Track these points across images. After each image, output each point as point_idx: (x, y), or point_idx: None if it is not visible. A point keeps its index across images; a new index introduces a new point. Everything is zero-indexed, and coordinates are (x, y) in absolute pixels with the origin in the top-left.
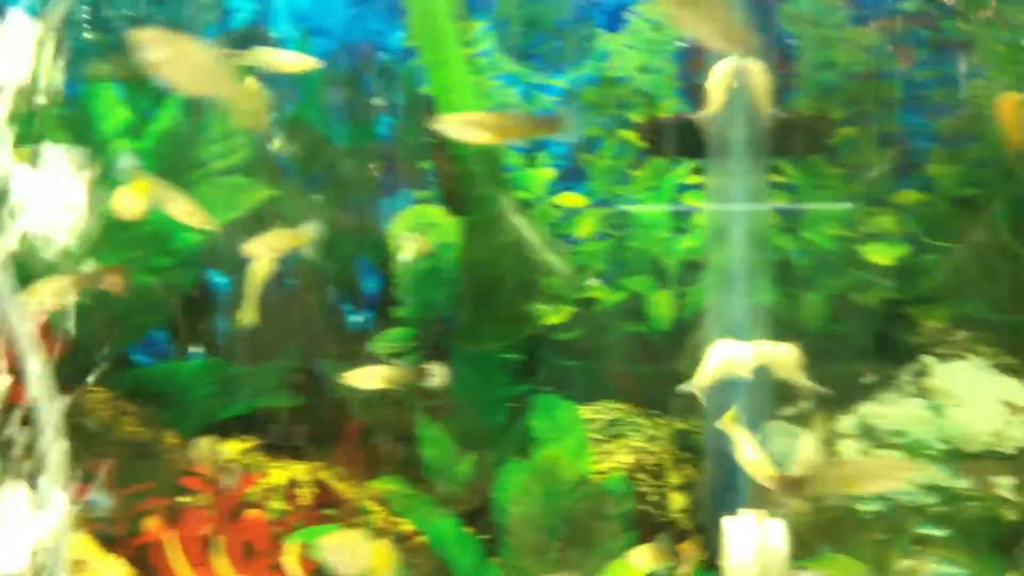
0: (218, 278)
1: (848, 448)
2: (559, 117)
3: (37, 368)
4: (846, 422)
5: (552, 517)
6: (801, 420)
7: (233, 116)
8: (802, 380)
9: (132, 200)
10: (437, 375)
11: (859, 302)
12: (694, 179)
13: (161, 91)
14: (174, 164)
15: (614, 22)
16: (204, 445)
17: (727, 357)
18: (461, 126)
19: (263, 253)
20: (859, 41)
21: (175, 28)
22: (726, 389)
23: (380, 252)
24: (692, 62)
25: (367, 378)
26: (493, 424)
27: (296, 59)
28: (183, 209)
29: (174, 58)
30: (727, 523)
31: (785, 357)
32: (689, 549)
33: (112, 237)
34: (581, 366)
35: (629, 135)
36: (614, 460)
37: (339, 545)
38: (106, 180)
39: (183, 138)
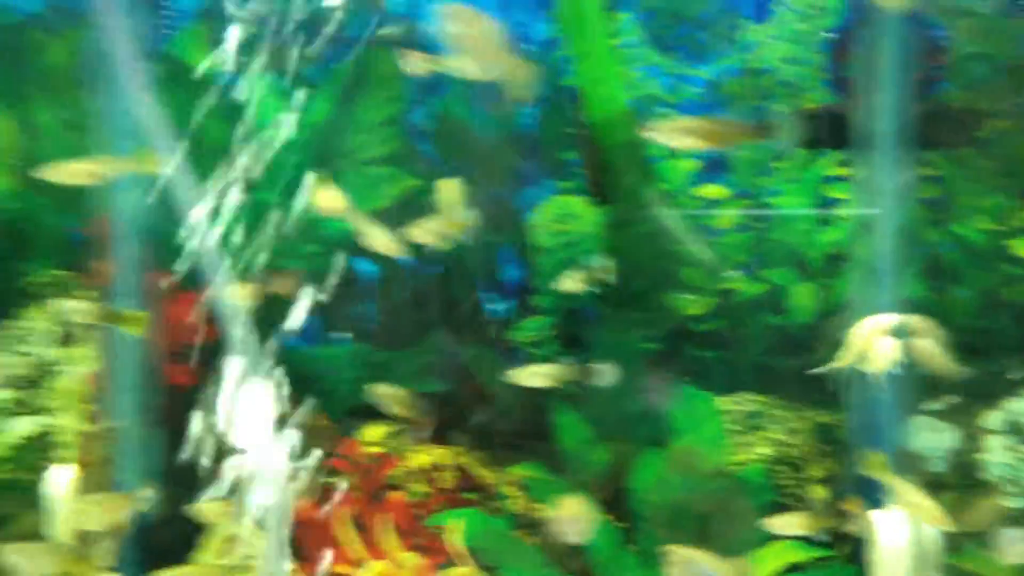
0: (364, 265)
1: (994, 444)
2: (775, 123)
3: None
4: (993, 418)
5: (689, 507)
6: (947, 415)
7: (506, 89)
8: (947, 365)
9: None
10: (605, 374)
11: (1008, 298)
12: (839, 171)
13: (312, 82)
14: (324, 154)
15: (760, 12)
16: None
17: (872, 333)
18: (672, 132)
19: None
20: (1011, 32)
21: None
22: (870, 382)
23: (521, 241)
24: (839, 52)
25: (533, 376)
26: (631, 413)
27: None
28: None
29: (470, 33)
30: (876, 516)
31: (930, 342)
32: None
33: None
34: (720, 357)
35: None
36: (753, 452)
37: (570, 513)
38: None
39: (333, 129)
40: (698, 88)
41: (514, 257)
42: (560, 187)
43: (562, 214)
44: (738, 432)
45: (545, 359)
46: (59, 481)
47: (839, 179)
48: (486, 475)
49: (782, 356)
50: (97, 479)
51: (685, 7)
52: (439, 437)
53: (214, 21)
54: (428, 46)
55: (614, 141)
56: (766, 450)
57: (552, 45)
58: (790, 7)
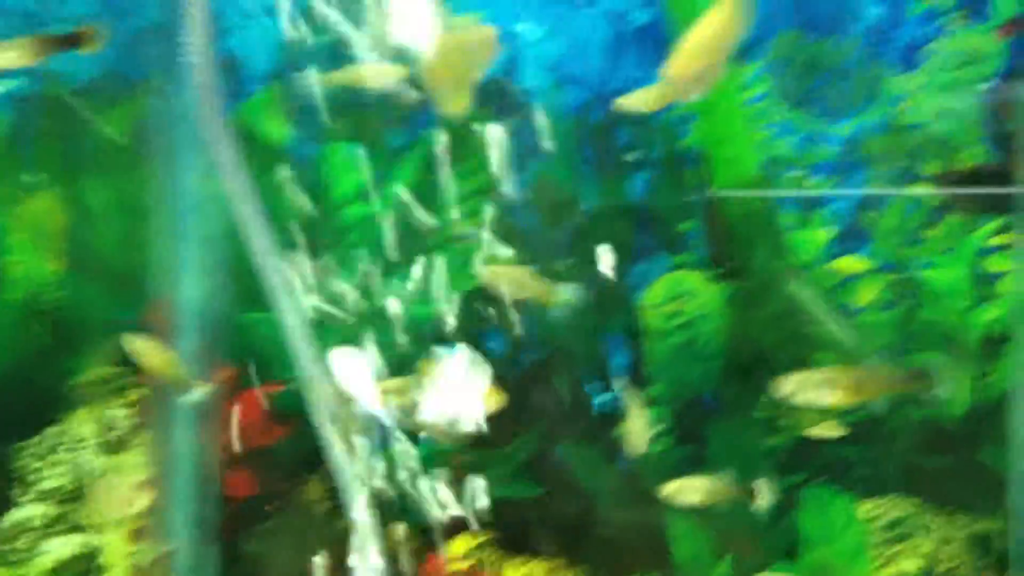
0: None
1: None
2: (929, 371)
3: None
4: None
5: None
6: None
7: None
8: None
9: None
10: (764, 495)
11: None
12: (1000, 239)
13: (395, 151)
14: (410, 228)
15: (908, 61)
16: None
17: None
18: (807, 386)
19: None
20: None
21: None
22: None
23: (631, 324)
24: (1000, 105)
25: (688, 492)
26: (756, 520)
27: (380, 71)
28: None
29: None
30: None
31: None
32: None
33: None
34: (861, 455)
35: (921, 189)
36: (899, 566)
37: None
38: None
39: (419, 201)
40: (835, 147)
41: (623, 341)
42: (675, 261)
43: (678, 292)
44: (882, 542)
45: (657, 457)
46: None
47: (1000, 248)
48: None
49: (933, 454)
50: None
51: (822, 56)
52: (534, 546)
53: (287, 85)
54: (523, 106)
55: (742, 210)
56: (914, 564)
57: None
58: (942, 54)
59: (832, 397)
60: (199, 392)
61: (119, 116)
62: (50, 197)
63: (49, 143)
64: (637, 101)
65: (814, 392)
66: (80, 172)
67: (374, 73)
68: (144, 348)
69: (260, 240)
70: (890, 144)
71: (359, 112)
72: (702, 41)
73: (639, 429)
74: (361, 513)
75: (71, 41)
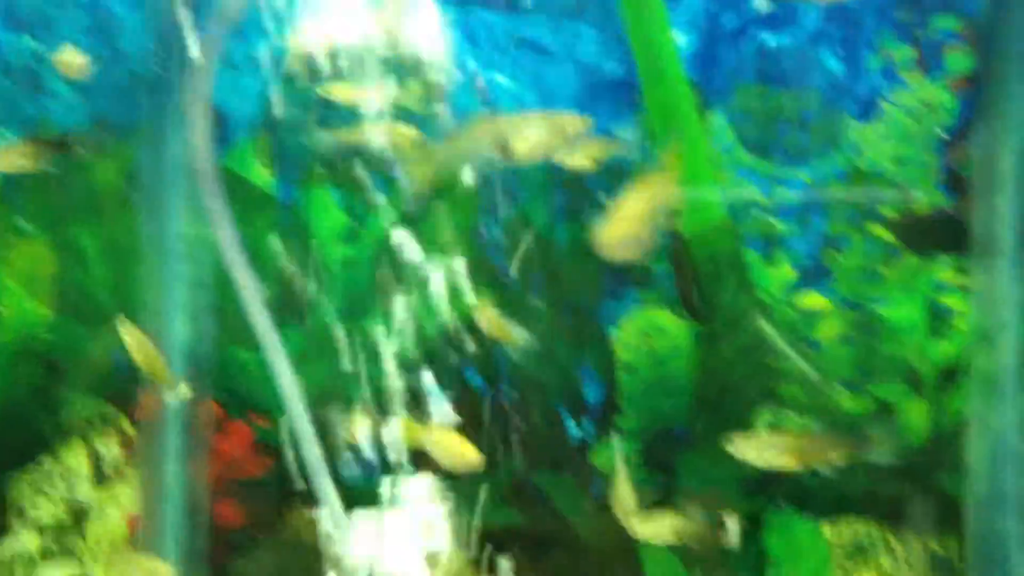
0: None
1: None
2: (870, 435)
3: None
4: None
5: None
6: None
7: None
8: None
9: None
10: (731, 532)
11: None
12: (954, 278)
13: (376, 194)
14: (392, 267)
15: (866, 111)
16: None
17: None
18: (759, 449)
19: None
20: None
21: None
22: (993, 506)
23: (603, 359)
24: (953, 152)
25: (657, 529)
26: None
27: (357, 91)
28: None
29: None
30: None
31: None
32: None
33: (321, 347)
34: (824, 481)
35: (880, 231)
36: None
37: None
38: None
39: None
40: (798, 191)
41: (596, 375)
42: (646, 299)
43: (649, 328)
44: (843, 563)
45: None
46: None
47: (954, 287)
48: None
49: (892, 480)
50: None
51: (782, 107)
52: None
53: (270, 132)
54: None
55: (710, 251)
56: None
57: (639, 148)
58: (899, 105)
59: (781, 461)
60: (183, 392)
61: (110, 163)
62: (41, 243)
63: (40, 190)
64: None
65: (766, 455)
66: (71, 218)
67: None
68: (135, 340)
69: (246, 283)
70: (850, 189)
71: (340, 158)
72: (634, 208)
73: (625, 492)
74: (346, 544)
75: (70, 143)
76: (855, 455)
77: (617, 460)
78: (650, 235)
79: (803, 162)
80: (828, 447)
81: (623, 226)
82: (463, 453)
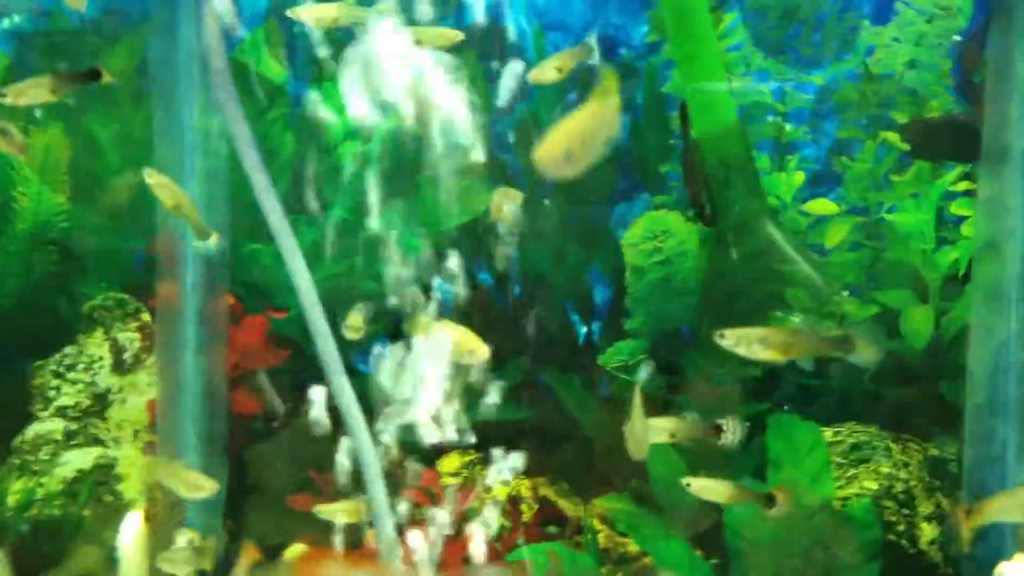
0: (445, 287)
1: None
2: (853, 335)
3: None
4: None
5: (789, 544)
6: None
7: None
8: None
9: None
10: (732, 432)
11: None
12: (963, 186)
13: None
14: (401, 166)
15: (881, 13)
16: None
17: None
18: (745, 341)
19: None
20: None
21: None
22: (993, 413)
23: (612, 261)
24: (967, 57)
25: (656, 432)
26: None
27: (440, 32)
28: None
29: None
30: (1007, 569)
31: None
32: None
33: (332, 244)
34: (826, 385)
35: (891, 137)
36: (859, 486)
37: None
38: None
39: (411, 140)
40: (810, 95)
41: (604, 277)
42: (655, 202)
43: (657, 231)
44: (843, 465)
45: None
46: (128, 530)
47: (963, 195)
48: (569, 508)
49: (893, 384)
50: (165, 524)
51: (797, 7)
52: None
53: (281, 24)
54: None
55: (720, 154)
56: (873, 484)
57: (651, 49)
58: (914, 7)
59: (765, 353)
60: (214, 240)
61: (122, 52)
62: (55, 131)
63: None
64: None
65: (750, 347)
66: (84, 107)
67: (431, 35)
68: (165, 186)
69: (258, 177)
70: (864, 93)
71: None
72: (571, 127)
73: (640, 434)
74: (361, 432)
75: (88, 76)
76: (838, 355)
77: (635, 398)
78: (587, 154)
79: (816, 64)
80: (812, 345)
81: (560, 144)
82: (473, 348)
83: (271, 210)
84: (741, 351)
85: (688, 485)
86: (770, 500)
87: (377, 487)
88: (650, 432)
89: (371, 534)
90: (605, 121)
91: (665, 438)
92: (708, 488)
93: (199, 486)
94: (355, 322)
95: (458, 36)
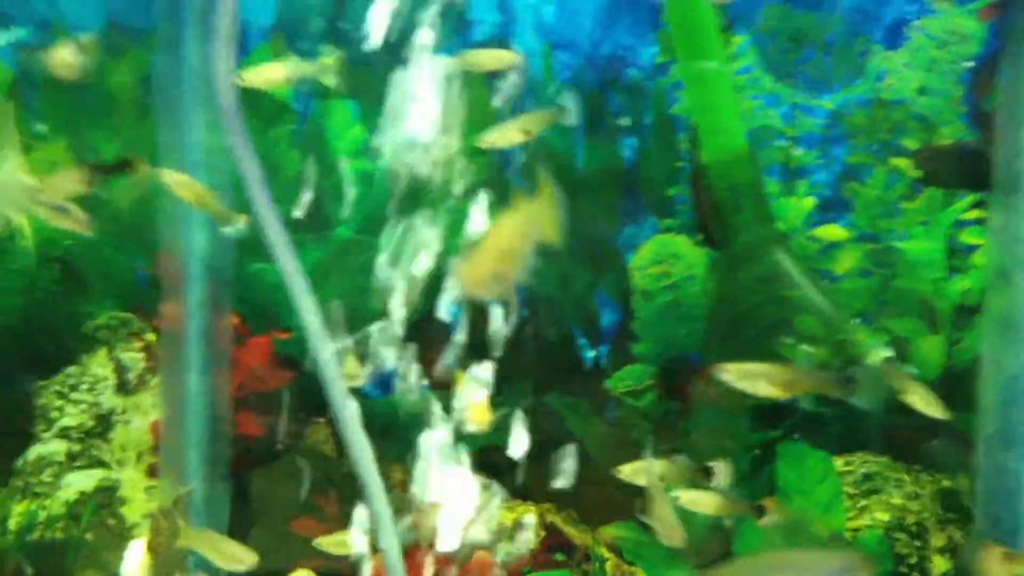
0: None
1: None
2: (853, 377)
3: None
4: None
5: None
6: None
7: None
8: None
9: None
10: (722, 475)
11: None
12: (974, 214)
13: None
14: (409, 185)
15: (892, 38)
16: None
17: None
18: (746, 377)
19: None
20: None
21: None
22: (1006, 445)
23: (620, 284)
24: (979, 84)
25: (637, 473)
26: (735, 471)
27: (499, 56)
28: None
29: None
30: None
31: None
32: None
33: (338, 263)
34: (837, 414)
35: (902, 163)
36: (870, 517)
37: None
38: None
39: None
40: (820, 120)
41: (612, 300)
42: (663, 225)
43: (665, 254)
44: (854, 495)
45: (643, 411)
46: (132, 560)
47: (974, 223)
48: (576, 534)
49: (904, 414)
50: (168, 554)
51: (808, 30)
52: (525, 492)
53: (288, 39)
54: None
55: (730, 179)
56: (884, 515)
57: (660, 70)
58: (927, 33)
59: (765, 390)
60: (240, 224)
61: (126, 67)
62: (59, 147)
63: (56, 93)
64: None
65: (751, 383)
66: (88, 123)
67: (490, 58)
68: (179, 181)
69: (260, 196)
70: (874, 118)
71: (359, 68)
72: (500, 248)
73: (669, 521)
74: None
75: (121, 167)
76: (839, 395)
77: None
78: (516, 269)
79: (826, 89)
80: (814, 383)
81: (484, 264)
82: (476, 420)
83: (273, 233)
84: (743, 387)
85: (677, 498)
86: (760, 511)
87: (386, 523)
88: (638, 474)
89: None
90: (535, 233)
91: (652, 482)
92: (697, 500)
93: (238, 558)
94: (352, 369)
95: (516, 59)
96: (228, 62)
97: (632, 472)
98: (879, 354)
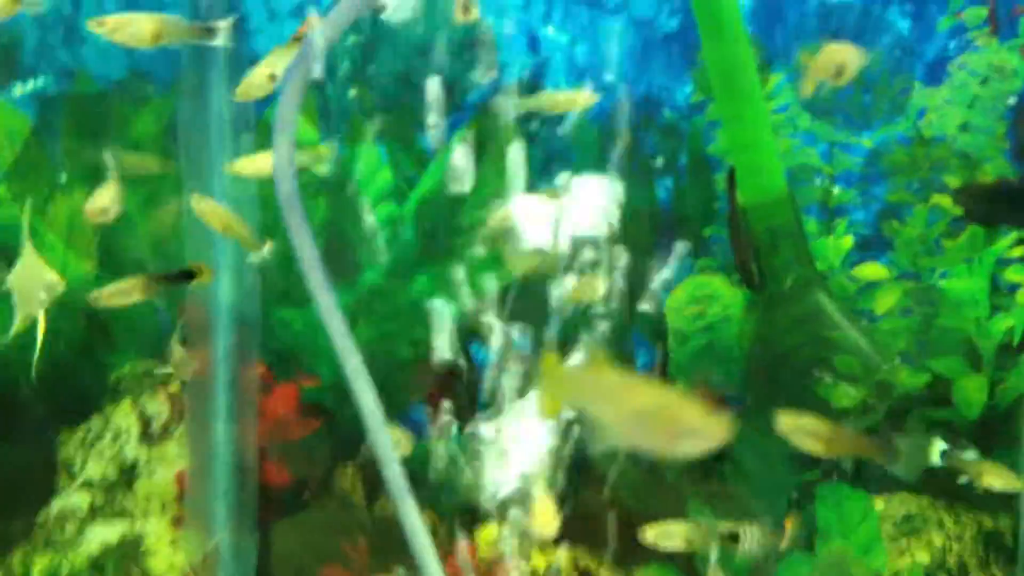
0: (480, 352)
1: None
2: (896, 447)
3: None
4: None
5: None
6: None
7: None
8: None
9: None
10: (750, 539)
11: None
12: (1018, 251)
13: (425, 153)
14: (437, 230)
15: (934, 75)
16: None
17: None
18: (797, 430)
19: None
20: None
21: (443, 83)
22: None
23: (654, 325)
24: (1023, 120)
25: (666, 537)
26: (774, 513)
27: (573, 96)
28: None
29: None
30: None
31: None
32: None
33: (366, 308)
34: None
35: (943, 201)
36: (911, 558)
37: None
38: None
39: (447, 203)
40: (860, 158)
41: (645, 341)
42: (699, 265)
43: (701, 294)
44: (894, 536)
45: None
46: None
47: (1018, 261)
48: None
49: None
50: None
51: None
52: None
53: (315, 86)
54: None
55: (769, 221)
56: (925, 557)
57: (695, 109)
58: (968, 69)
59: (811, 446)
60: (267, 250)
61: (149, 115)
62: (81, 196)
63: (78, 142)
64: None
65: (799, 436)
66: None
67: (565, 99)
68: (208, 209)
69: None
70: (915, 156)
71: (388, 113)
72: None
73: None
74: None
75: (183, 276)
76: (880, 462)
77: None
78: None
79: (865, 126)
80: (856, 446)
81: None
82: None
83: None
84: (791, 439)
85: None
86: (733, 539)
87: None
88: (663, 537)
89: None
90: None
91: (679, 544)
92: (665, 533)
93: None
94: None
95: (593, 98)
96: (289, 149)
97: (657, 536)
98: (937, 448)
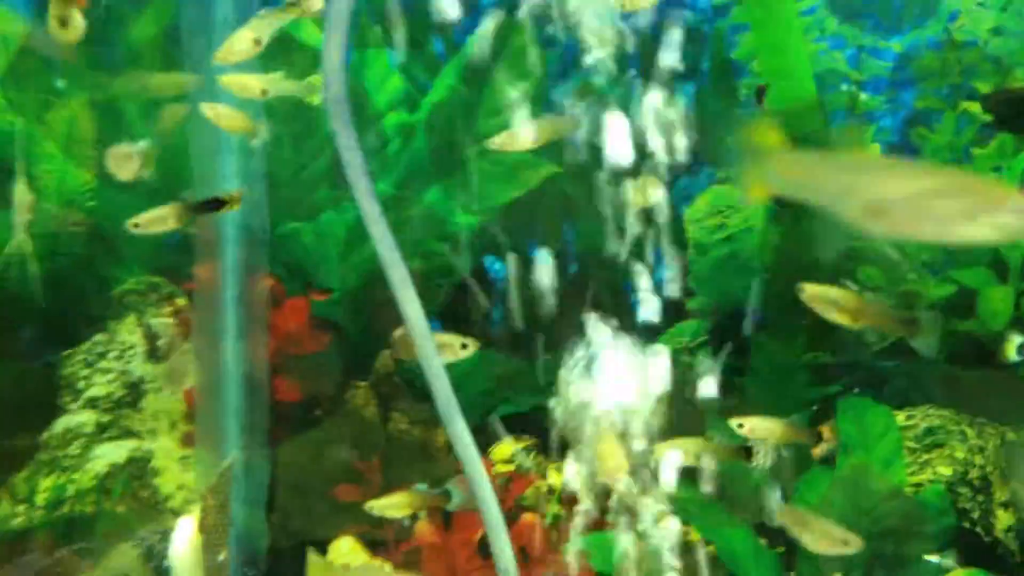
0: (495, 265)
1: None
2: (921, 322)
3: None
4: None
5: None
6: None
7: None
8: None
9: None
10: (763, 455)
11: None
12: None
13: (437, 59)
14: (450, 138)
15: None
16: None
17: None
18: (820, 300)
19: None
20: None
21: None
22: None
23: (674, 237)
24: None
25: (682, 451)
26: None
27: None
28: None
29: None
30: None
31: None
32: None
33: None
34: (899, 367)
35: (973, 107)
36: (932, 471)
37: None
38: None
39: (460, 110)
40: (888, 63)
41: (667, 253)
42: (720, 175)
43: (721, 206)
44: (916, 450)
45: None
46: (181, 538)
47: None
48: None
49: (969, 366)
50: (216, 530)
51: None
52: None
53: None
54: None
55: (797, 129)
56: (947, 470)
57: (718, 13)
58: None
59: (837, 316)
60: (264, 133)
61: (150, 18)
62: (79, 103)
63: (77, 47)
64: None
65: (824, 306)
66: (110, 78)
67: None
68: (223, 115)
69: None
70: (945, 61)
71: (399, 18)
72: None
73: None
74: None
75: (216, 204)
76: (901, 334)
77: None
78: None
79: (895, 30)
80: (881, 317)
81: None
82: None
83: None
84: (814, 307)
85: (740, 427)
86: (747, 454)
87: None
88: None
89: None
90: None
91: (690, 460)
92: (759, 428)
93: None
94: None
95: None
96: (340, 51)
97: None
98: (1015, 342)
